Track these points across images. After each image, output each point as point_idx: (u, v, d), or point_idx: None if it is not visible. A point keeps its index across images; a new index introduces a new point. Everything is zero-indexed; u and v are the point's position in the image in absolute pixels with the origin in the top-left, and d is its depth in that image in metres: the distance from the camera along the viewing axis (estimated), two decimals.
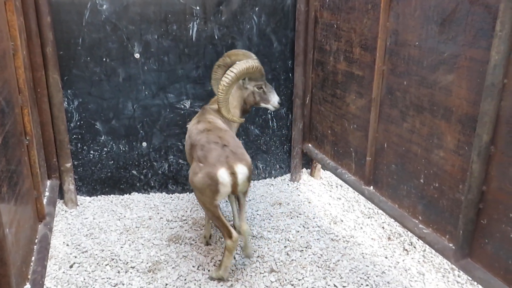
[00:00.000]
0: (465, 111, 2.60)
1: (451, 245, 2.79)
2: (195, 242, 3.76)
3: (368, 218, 4.24)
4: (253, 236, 3.85)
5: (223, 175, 2.98)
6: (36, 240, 3.18)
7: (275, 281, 3.29)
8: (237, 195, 3.26)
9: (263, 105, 3.77)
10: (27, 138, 3.21)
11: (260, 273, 3.38)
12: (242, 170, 3.05)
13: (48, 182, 4.11)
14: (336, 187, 4.88)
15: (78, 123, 4.24)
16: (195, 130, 3.39)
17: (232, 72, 3.36)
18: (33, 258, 2.96)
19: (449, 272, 3.41)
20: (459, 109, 2.64)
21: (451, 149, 2.73)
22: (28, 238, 2.94)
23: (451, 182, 2.77)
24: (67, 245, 3.69)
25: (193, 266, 3.44)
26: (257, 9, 4.38)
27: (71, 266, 3.42)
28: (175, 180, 4.68)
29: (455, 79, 2.65)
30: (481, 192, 2.49)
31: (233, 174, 3.00)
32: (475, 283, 3.21)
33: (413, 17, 2.96)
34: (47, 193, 3.89)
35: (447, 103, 2.74)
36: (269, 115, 4.80)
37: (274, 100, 3.75)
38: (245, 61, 3.44)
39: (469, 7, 2.49)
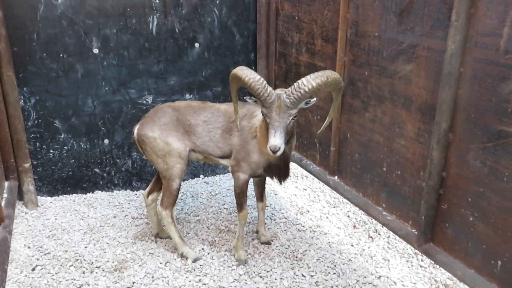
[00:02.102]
0: (424, 100, 2.66)
1: (414, 230, 2.86)
2: (162, 239, 3.72)
3: (334, 207, 4.30)
4: (220, 231, 3.85)
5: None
6: None
7: (244, 273, 3.30)
8: None
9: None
10: None
11: (229, 266, 3.38)
12: (134, 131, 3.43)
13: (6, 184, 3.97)
14: (302, 178, 4.93)
15: (36, 122, 4.11)
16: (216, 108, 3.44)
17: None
18: None
19: (412, 257, 3.50)
20: (418, 98, 2.70)
21: (412, 137, 2.80)
22: None
23: (412, 170, 2.83)
24: (29, 247, 3.58)
25: (160, 263, 3.40)
26: (218, 1, 4.34)
27: (33, 269, 3.32)
28: (139, 177, 4.61)
29: (414, 68, 2.70)
30: (441, 178, 2.56)
31: (133, 129, 3.46)
32: (438, 266, 3.31)
33: (373, 8, 3.00)
34: (5, 195, 3.74)
35: (407, 92, 2.80)
36: None
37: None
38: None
39: None
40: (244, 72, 2.78)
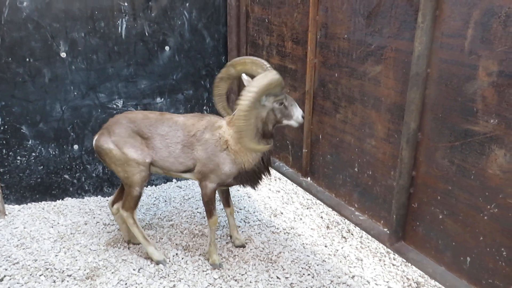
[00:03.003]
0: (394, 101, 2.70)
1: (385, 229, 2.90)
2: (135, 245, 3.66)
3: (307, 209, 4.32)
4: (194, 235, 3.81)
5: None
6: None
7: (218, 277, 3.28)
8: None
9: (285, 122, 3.13)
10: None
11: (203, 271, 3.36)
12: (92, 142, 3.41)
13: None
14: (275, 180, 4.94)
15: (1, 128, 3.99)
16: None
17: (251, 92, 2.78)
18: None
19: (385, 256, 3.55)
20: (387, 98, 2.75)
21: (382, 138, 2.84)
22: None
23: (383, 169, 2.87)
24: None
25: (134, 269, 3.35)
26: (187, 4, 4.32)
27: (1, 280, 3.22)
28: (110, 182, 4.54)
29: (383, 69, 2.74)
30: (411, 177, 2.60)
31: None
32: (409, 264, 3.36)
33: (341, 11, 3.03)
34: None
35: (376, 93, 2.83)
36: (204, 110, 4.76)
37: (297, 114, 3.11)
38: (264, 76, 2.86)
39: (393, 0, 2.59)
40: (269, 77, 2.86)
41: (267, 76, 2.85)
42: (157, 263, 3.40)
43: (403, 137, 2.56)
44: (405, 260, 3.23)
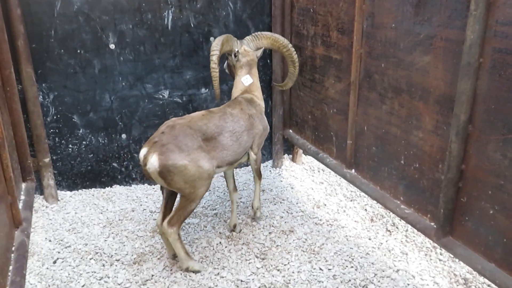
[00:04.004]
0: (443, 92, 2.62)
1: (432, 224, 2.84)
2: (180, 232, 3.74)
3: (351, 201, 4.28)
4: (237, 224, 3.85)
5: (140, 153, 3.01)
6: (13, 248, 3.02)
7: (261, 267, 3.31)
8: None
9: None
10: None
11: (246, 259, 3.40)
12: (152, 162, 2.89)
13: (23, 185, 3.97)
14: (318, 171, 4.91)
15: (54, 117, 4.16)
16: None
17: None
18: (10, 268, 2.82)
19: (431, 251, 3.47)
20: (436, 89, 2.67)
21: (430, 130, 2.76)
22: (4, 248, 2.78)
23: (430, 162, 2.80)
24: (50, 240, 3.64)
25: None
26: None
27: (54, 262, 3.38)
28: None
29: (432, 60, 2.67)
30: (460, 171, 2.53)
31: (145, 158, 2.94)
32: (457, 260, 3.28)
33: None
34: (22, 197, 3.70)
35: (424, 84, 2.76)
36: None
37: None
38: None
39: None
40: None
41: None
42: (196, 272, 3.27)
43: (452, 130, 2.49)
44: (452, 256, 3.16)
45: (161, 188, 3.26)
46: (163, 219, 3.19)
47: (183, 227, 3.81)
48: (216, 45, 3.27)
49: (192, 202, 3.07)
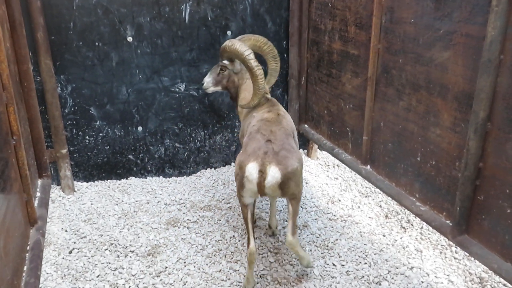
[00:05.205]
0: (461, 88, 2.58)
1: (448, 222, 2.81)
2: (194, 225, 3.77)
3: (366, 197, 4.26)
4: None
5: (251, 169, 2.71)
6: (28, 247, 2.94)
7: (274, 261, 3.32)
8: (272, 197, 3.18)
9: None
10: (14, 138, 2.95)
11: (259, 254, 3.40)
12: (273, 173, 2.68)
13: (39, 182, 3.89)
14: (333, 167, 4.89)
15: (72, 109, 4.21)
16: (259, 117, 3.14)
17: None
18: (25, 268, 2.74)
19: (446, 249, 3.44)
20: (455, 86, 2.63)
21: (448, 127, 2.73)
22: (19, 247, 2.71)
23: (447, 160, 2.77)
24: (66, 231, 3.69)
25: (192, 249, 3.45)
26: None
27: (70, 252, 3.43)
28: (171, 164, 4.68)
29: (451, 56, 2.63)
30: (477, 168, 2.50)
31: (261, 172, 2.68)
32: (472, 258, 3.24)
33: None
34: (38, 194, 3.64)
35: (443, 80, 2.72)
36: None
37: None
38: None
39: None
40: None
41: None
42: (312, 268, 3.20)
43: (470, 127, 2.46)
44: (467, 254, 3.13)
45: (246, 216, 2.93)
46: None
47: (197, 220, 3.83)
48: (243, 45, 3.19)
49: (300, 201, 2.96)
